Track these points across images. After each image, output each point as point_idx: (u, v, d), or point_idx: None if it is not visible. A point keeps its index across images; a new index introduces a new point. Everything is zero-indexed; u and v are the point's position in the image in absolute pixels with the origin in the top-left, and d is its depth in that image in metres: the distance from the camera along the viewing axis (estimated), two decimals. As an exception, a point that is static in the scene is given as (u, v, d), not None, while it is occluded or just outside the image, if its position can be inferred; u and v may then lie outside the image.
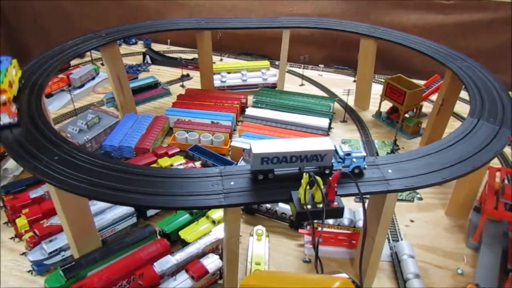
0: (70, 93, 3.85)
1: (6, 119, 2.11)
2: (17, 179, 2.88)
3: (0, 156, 2.90)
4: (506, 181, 2.66)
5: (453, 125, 3.24)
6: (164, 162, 2.97)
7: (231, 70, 4.40)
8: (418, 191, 3.00)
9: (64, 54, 2.99)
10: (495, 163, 3.24)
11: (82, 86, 4.13)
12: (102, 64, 4.30)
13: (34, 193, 2.63)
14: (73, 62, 4.37)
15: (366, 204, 1.91)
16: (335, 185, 1.72)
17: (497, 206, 2.44)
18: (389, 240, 2.62)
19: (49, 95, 3.93)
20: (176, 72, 4.53)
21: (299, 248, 2.57)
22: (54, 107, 3.85)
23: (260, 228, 2.52)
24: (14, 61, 2.32)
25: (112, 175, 1.91)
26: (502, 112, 2.49)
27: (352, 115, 3.95)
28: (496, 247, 2.44)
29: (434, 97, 3.78)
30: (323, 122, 3.52)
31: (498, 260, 2.37)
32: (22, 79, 2.49)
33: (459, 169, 2.04)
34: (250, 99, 3.92)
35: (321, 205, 1.72)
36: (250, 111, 3.67)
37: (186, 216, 2.62)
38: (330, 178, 1.70)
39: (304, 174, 1.71)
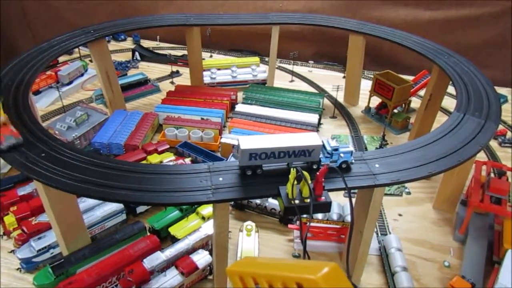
0: (59, 90, 3.81)
1: (11, 141, 2.00)
2: (5, 177, 2.85)
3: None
4: (492, 175, 2.70)
5: (441, 120, 3.25)
6: (154, 158, 2.97)
7: (221, 67, 4.39)
8: (406, 185, 3.03)
9: (51, 51, 2.96)
10: (482, 157, 3.29)
11: (70, 83, 4.10)
12: (91, 61, 4.26)
13: (22, 191, 2.62)
14: (61, 59, 4.33)
15: (354, 199, 1.93)
16: (323, 179, 1.73)
17: (483, 199, 2.48)
18: (377, 234, 2.65)
19: (37, 92, 3.90)
20: (166, 69, 4.51)
21: (289, 243, 2.59)
22: (42, 104, 3.82)
23: (249, 224, 2.53)
24: None
25: (100, 172, 1.91)
26: (488, 106, 2.53)
27: (341, 110, 3.97)
28: (482, 239, 2.48)
29: (422, 92, 3.82)
30: (313, 118, 3.53)
31: (484, 252, 2.41)
32: (2, 97, 2.39)
33: (445, 163, 2.06)
34: (240, 95, 3.92)
35: (308, 200, 1.74)
36: (240, 107, 3.68)
37: (176, 213, 2.63)
38: (318, 173, 1.71)
39: (292, 169, 1.72)
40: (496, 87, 2.77)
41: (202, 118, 3.50)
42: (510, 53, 4.33)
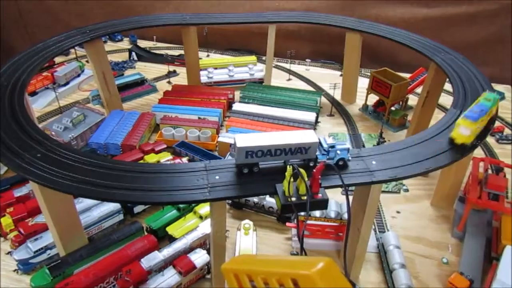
0: (55, 91, 3.80)
1: None
2: (1, 178, 2.84)
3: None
4: (489, 171, 2.70)
5: (438, 117, 3.23)
6: (151, 158, 2.96)
7: (218, 66, 4.38)
8: (404, 183, 3.03)
9: (47, 51, 2.95)
10: (479, 153, 3.29)
11: (67, 83, 4.09)
12: (88, 61, 4.25)
13: (18, 192, 2.62)
14: (58, 60, 4.33)
15: (351, 196, 1.93)
16: (319, 177, 1.73)
17: (481, 196, 2.48)
18: (375, 231, 2.64)
19: (34, 93, 3.88)
20: (163, 69, 4.50)
21: (287, 242, 2.58)
22: (39, 105, 3.81)
23: (247, 222, 2.52)
24: None
25: (97, 172, 1.90)
26: (485, 103, 2.52)
27: (339, 109, 3.97)
28: (480, 236, 2.48)
29: (419, 90, 3.81)
30: (310, 116, 3.53)
31: (482, 249, 2.41)
32: None
33: (442, 159, 2.06)
34: (237, 94, 3.91)
35: (305, 197, 1.73)
36: (237, 106, 3.67)
37: (173, 212, 2.62)
38: (314, 170, 1.71)
39: (288, 166, 1.71)
40: (493, 84, 2.77)
41: (199, 118, 3.50)
42: (509, 50, 4.33)
